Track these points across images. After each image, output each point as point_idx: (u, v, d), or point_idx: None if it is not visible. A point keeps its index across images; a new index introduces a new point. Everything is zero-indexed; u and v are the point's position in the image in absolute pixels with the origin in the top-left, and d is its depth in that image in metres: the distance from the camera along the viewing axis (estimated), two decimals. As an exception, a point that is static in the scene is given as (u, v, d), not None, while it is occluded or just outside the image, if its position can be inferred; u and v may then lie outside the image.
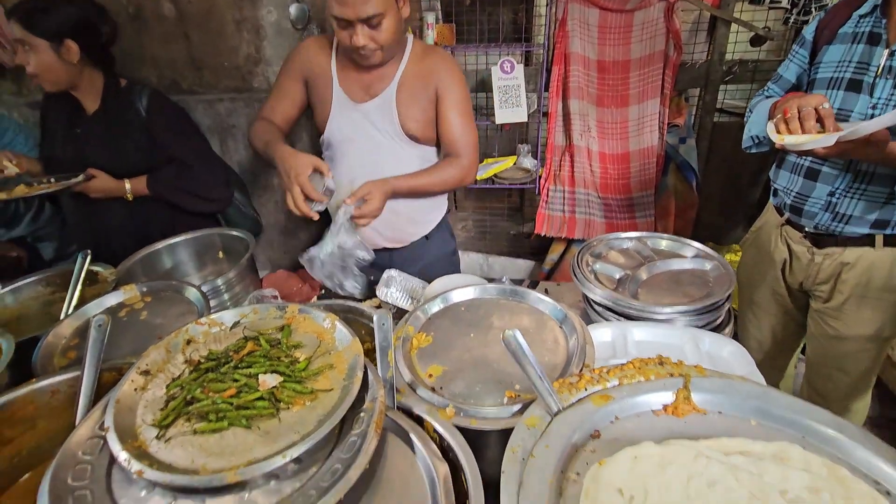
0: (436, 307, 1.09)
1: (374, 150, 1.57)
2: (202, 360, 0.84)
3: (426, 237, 1.76)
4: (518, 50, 2.63)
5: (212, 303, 1.24)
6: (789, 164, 1.54)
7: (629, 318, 1.17)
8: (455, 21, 2.52)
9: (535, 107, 2.60)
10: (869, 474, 0.62)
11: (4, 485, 0.85)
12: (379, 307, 1.39)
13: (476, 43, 2.58)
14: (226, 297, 1.41)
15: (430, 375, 0.92)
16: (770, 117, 1.37)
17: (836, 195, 1.42)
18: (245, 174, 2.71)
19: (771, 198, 1.69)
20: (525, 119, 2.51)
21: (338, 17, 1.32)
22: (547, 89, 2.56)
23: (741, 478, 0.54)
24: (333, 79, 1.54)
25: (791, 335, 1.80)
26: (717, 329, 1.20)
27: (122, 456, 0.65)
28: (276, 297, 1.41)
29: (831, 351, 1.60)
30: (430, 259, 1.76)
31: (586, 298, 1.29)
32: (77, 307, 1.23)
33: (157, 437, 0.71)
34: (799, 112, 1.18)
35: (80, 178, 1.56)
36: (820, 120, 1.16)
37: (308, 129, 2.41)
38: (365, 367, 0.79)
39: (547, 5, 2.49)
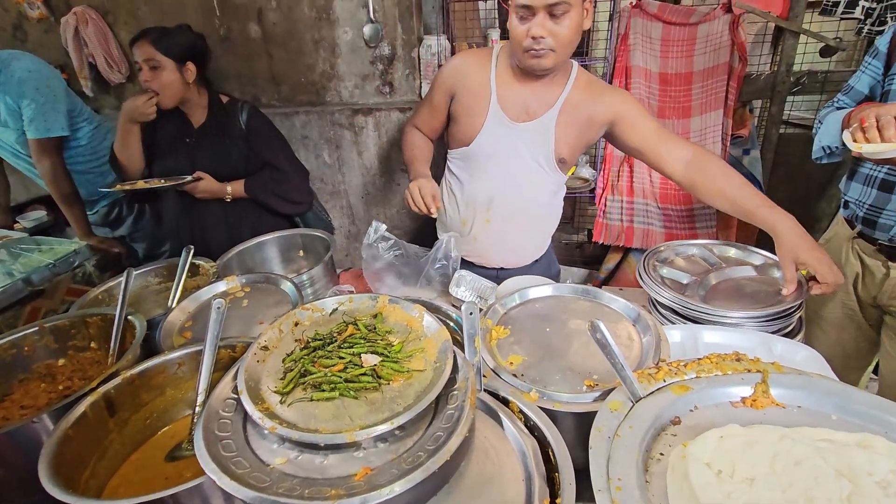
0: (512, 302, 1.16)
1: (518, 170, 1.56)
2: (310, 340, 0.94)
3: (536, 261, 1.76)
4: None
5: (298, 295, 1.36)
6: (861, 176, 1.52)
7: (696, 321, 1.20)
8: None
9: (595, 118, 2.63)
10: (954, 468, 0.63)
11: (141, 440, 0.99)
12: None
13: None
14: (309, 291, 1.54)
15: (511, 363, 0.99)
16: (844, 127, 1.37)
17: (915, 207, 1.39)
18: (314, 182, 2.89)
19: (841, 210, 1.66)
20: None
21: (522, 3, 1.27)
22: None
23: (828, 458, 0.58)
24: (492, 94, 1.50)
25: (862, 351, 1.75)
26: (788, 336, 1.21)
27: (257, 415, 0.76)
28: (352, 293, 1.52)
29: (908, 368, 1.56)
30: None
31: (652, 302, 1.33)
32: (181, 295, 1.39)
33: (281, 402, 0.81)
34: (877, 121, 1.18)
35: (189, 178, 1.76)
36: None
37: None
38: (454, 351, 0.88)
39: (609, 20, 2.54)
